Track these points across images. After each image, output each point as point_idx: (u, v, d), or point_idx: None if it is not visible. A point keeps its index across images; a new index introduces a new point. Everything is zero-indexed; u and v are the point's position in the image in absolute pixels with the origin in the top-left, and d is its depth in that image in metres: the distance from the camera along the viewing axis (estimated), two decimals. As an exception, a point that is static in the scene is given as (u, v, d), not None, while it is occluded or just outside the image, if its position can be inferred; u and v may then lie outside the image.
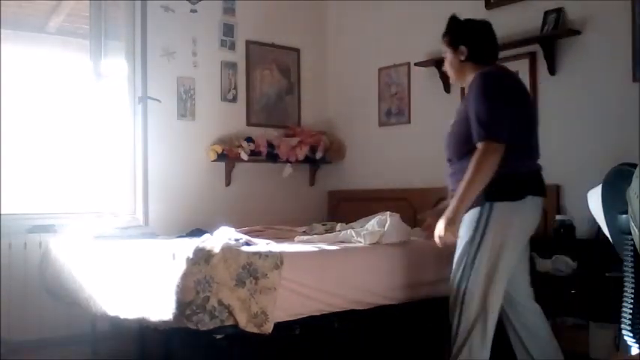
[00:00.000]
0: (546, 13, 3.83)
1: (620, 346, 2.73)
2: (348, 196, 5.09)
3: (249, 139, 4.80)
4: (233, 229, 3.11)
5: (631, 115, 3.39)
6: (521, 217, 2.62)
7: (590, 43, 3.68)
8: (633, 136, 3.32)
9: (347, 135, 5.32)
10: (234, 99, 4.94)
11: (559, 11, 3.78)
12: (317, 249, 3.13)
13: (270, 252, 2.72)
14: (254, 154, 4.81)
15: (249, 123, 5.00)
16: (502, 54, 4.05)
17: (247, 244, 2.86)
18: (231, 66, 4.92)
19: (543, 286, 3.35)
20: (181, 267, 2.51)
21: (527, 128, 2.67)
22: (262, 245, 2.87)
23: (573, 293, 3.19)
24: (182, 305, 2.46)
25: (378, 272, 3.07)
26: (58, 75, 4.51)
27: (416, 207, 4.49)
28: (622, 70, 3.51)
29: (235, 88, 4.94)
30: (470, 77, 2.71)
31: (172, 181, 4.59)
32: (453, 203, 2.57)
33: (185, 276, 2.48)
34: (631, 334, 1.70)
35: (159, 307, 2.58)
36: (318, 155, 5.13)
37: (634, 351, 1.72)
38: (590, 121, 3.67)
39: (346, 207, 4.50)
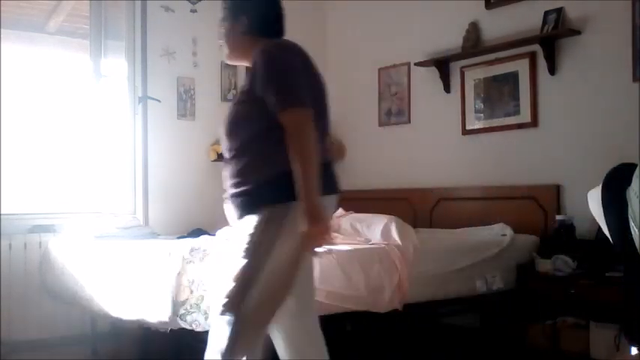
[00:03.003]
0: (546, 13, 3.83)
1: (620, 346, 2.73)
2: (348, 196, 5.07)
3: (249, 139, 4.80)
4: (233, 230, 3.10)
5: (631, 115, 3.39)
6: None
7: (590, 43, 3.68)
8: (633, 136, 3.31)
9: (347, 135, 5.29)
10: (234, 99, 4.93)
11: (559, 11, 3.77)
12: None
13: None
14: (254, 154, 4.80)
15: (249, 123, 5.00)
16: (502, 54, 4.08)
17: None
18: (231, 66, 4.91)
19: (543, 286, 3.36)
20: (176, 266, 2.51)
21: (320, 109, 2.22)
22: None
23: (573, 293, 3.19)
24: (176, 304, 2.45)
25: (379, 273, 3.06)
26: (58, 75, 4.51)
27: (416, 207, 4.49)
28: (622, 70, 3.51)
29: (235, 88, 4.94)
30: (251, 53, 2.15)
31: (172, 181, 4.59)
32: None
33: (179, 275, 2.48)
34: (631, 334, 1.70)
35: (157, 307, 2.57)
36: (318, 155, 5.11)
37: (634, 351, 1.71)
38: (590, 121, 3.67)
39: (346, 207, 4.49)
